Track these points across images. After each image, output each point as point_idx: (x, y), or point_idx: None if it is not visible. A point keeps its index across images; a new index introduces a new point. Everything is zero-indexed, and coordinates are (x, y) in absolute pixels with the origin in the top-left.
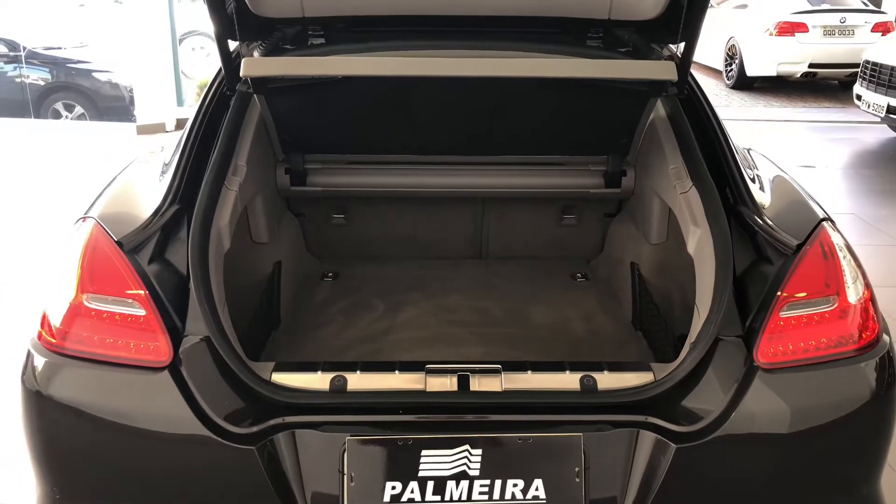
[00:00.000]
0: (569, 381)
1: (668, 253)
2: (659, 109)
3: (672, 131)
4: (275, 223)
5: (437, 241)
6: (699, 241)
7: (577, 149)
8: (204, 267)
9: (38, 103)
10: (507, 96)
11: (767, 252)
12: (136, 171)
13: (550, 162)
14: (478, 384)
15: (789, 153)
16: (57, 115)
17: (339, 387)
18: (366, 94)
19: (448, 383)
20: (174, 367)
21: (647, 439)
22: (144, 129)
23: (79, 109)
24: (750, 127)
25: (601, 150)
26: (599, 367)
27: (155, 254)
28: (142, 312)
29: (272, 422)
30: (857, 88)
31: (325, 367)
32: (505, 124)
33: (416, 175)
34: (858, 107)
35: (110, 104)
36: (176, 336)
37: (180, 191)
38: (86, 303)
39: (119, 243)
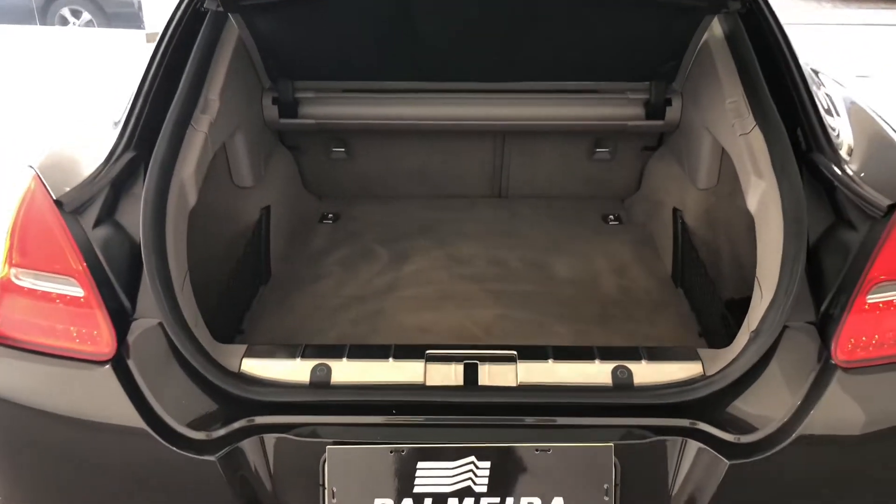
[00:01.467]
0: (598, 373)
1: (719, 201)
2: (714, 28)
3: (731, 56)
4: (261, 163)
5: (451, 179)
6: (763, 196)
7: (615, 73)
8: (159, 231)
9: (43, 9)
10: (532, 10)
11: (850, 214)
12: (102, 103)
13: (583, 89)
14: (488, 376)
15: (839, 62)
16: (64, 22)
17: (320, 379)
18: (362, 8)
19: (452, 374)
20: (119, 360)
21: (694, 451)
22: (154, 38)
23: (86, 16)
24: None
25: (643, 76)
26: (636, 355)
27: (102, 215)
28: (80, 292)
29: (237, 425)
30: None
31: (307, 353)
32: (530, 44)
33: (424, 105)
34: None
35: (119, 10)
36: (123, 321)
37: (136, 133)
38: (15, 279)
39: (58, 202)
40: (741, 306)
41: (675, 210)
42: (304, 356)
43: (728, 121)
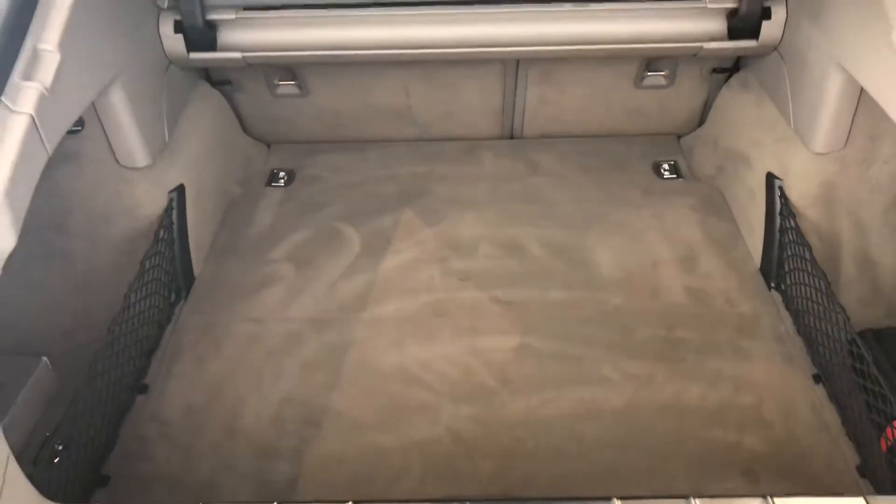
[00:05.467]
0: None
1: (845, 171)
2: None
3: None
4: (163, 124)
5: (444, 116)
6: None
7: None
8: None
9: None
10: None
11: None
12: None
13: None
14: None
15: None
16: None
17: None
18: None
19: None
20: None
21: None
22: None
23: None
24: None
25: None
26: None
27: None
28: None
29: None
30: None
31: None
32: None
33: (405, 25)
34: None
35: None
36: None
37: None
38: None
39: None
40: (891, 347)
41: (770, 177)
42: None
43: (893, 63)
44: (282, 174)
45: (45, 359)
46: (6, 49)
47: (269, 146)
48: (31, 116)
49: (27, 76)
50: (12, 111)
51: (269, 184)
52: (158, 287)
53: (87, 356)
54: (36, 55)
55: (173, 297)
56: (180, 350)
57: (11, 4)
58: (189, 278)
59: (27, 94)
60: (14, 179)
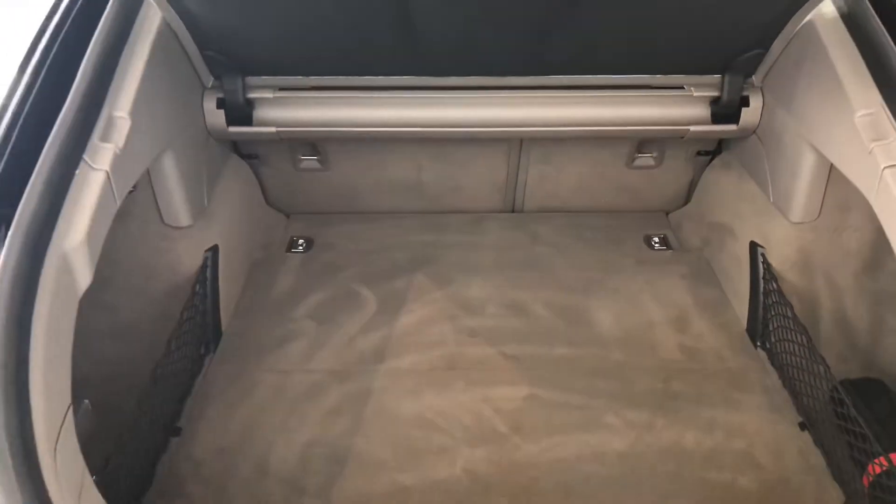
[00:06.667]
0: None
1: (819, 239)
2: (823, 6)
3: (854, 46)
4: (203, 190)
5: (452, 190)
6: None
7: (676, 65)
8: (16, 351)
9: None
10: None
11: None
12: None
13: (627, 84)
14: None
15: None
16: None
17: None
18: None
19: None
20: None
21: None
22: None
23: None
24: None
25: (714, 68)
26: None
27: None
28: None
29: None
30: None
31: None
32: (561, 26)
33: (421, 107)
34: None
35: None
36: None
37: None
38: None
39: None
40: (867, 394)
41: (753, 245)
42: None
43: (858, 142)
44: (301, 241)
45: (87, 402)
46: (88, 113)
47: (288, 216)
48: (107, 173)
49: (104, 138)
50: (92, 168)
51: (289, 250)
52: (193, 339)
53: (121, 401)
54: (111, 121)
55: (203, 349)
56: (210, 397)
57: (92, 76)
58: (217, 333)
59: (104, 154)
60: (92, 226)
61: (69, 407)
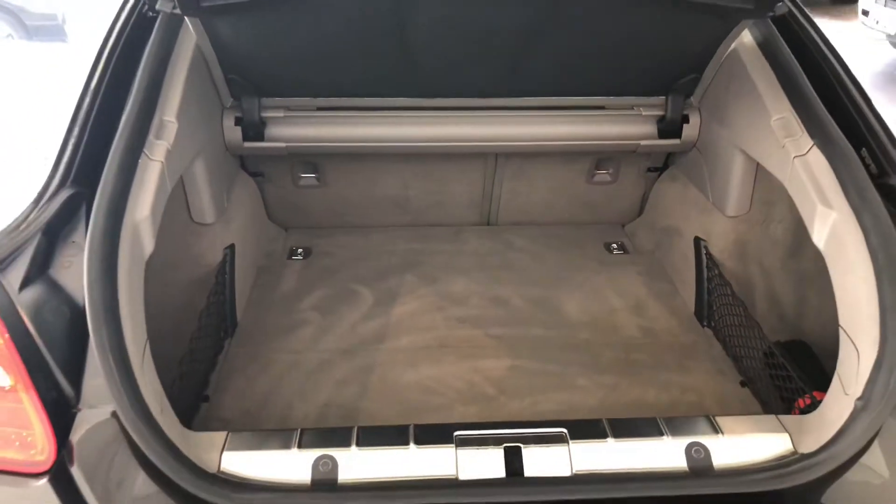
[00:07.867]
0: (669, 452)
1: (751, 229)
2: (743, 36)
3: (768, 66)
4: (223, 194)
5: (434, 206)
6: (835, 230)
7: (627, 88)
8: (109, 290)
9: None
10: (536, 16)
11: None
12: (26, 130)
13: (589, 105)
14: (535, 464)
15: None
16: None
17: (325, 477)
18: (342, 15)
19: (490, 463)
20: (60, 471)
21: None
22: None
23: (4, 29)
24: None
25: (658, 90)
26: (709, 428)
27: (32, 273)
28: (6, 381)
29: None
30: (864, 2)
31: (305, 442)
32: (534, 56)
33: (411, 125)
34: (864, 23)
35: (41, 23)
36: (64, 414)
37: (74, 166)
38: None
39: None
40: (794, 352)
41: (698, 240)
42: (301, 445)
43: (776, 141)
44: (300, 250)
45: None
46: (145, 116)
47: (286, 230)
48: (162, 163)
49: (158, 136)
50: (150, 159)
51: (289, 257)
52: (217, 320)
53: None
54: (162, 123)
55: (222, 333)
56: (232, 371)
57: (146, 87)
58: (234, 323)
59: (159, 149)
60: (154, 204)
61: (146, 341)
